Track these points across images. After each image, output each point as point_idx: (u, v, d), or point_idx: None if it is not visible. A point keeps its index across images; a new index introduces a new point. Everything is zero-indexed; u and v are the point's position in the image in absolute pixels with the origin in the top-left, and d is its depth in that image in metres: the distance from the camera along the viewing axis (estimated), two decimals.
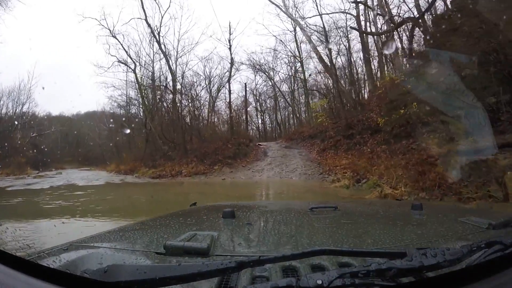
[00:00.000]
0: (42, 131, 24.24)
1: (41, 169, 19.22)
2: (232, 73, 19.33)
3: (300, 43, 19.80)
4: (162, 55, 18.34)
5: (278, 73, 22.61)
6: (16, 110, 22.91)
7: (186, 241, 0.81)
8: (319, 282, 0.52)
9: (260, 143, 18.46)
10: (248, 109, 24.83)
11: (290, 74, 21.59)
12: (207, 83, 20.09)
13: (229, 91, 19.36)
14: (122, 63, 18.05)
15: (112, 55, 17.94)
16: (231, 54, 18.38)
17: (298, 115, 22.25)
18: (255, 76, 23.70)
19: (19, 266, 0.59)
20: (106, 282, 0.55)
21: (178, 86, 19.21)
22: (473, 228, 0.97)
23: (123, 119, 21.42)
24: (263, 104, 25.22)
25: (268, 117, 25.70)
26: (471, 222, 1.02)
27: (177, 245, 0.78)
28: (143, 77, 19.09)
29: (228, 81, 18.88)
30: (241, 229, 1.16)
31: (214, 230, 1.04)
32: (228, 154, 15.42)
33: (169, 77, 18.90)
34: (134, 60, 18.32)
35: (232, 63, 18.61)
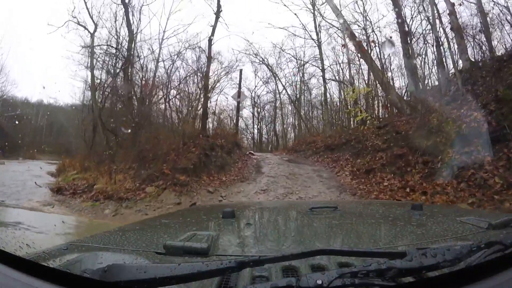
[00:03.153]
0: (10, 113, 21.47)
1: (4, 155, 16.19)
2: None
3: (319, 24, 14.91)
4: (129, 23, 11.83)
5: (283, 70, 18.18)
6: None
7: (186, 241, 0.81)
8: (319, 282, 0.52)
9: (252, 152, 12.66)
10: (244, 115, 19.59)
11: (303, 62, 16.57)
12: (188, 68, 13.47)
13: (209, 55, 12.29)
14: (81, 25, 12.36)
15: (73, 17, 12.37)
16: None
17: (305, 117, 17.65)
18: (255, 75, 19.31)
19: (19, 266, 0.60)
20: (106, 282, 0.55)
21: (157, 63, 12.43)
22: (473, 228, 0.97)
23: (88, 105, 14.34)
24: (261, 112, 20.86)
25: (265, 127, 21.42)
26: (471, 222, 1.01)
27: (177, 245, 0.78)
28: (109, 44, 12.65)
29: (211, 37, 12.02)
30: (241, 229, 1.16)
31: (214, 230, 1.05)
32: (184, 164, 8.09)
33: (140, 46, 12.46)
34: (94, 22, 12.58)
35: (218, 9, 12.03)
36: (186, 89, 13.49)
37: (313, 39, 15.55)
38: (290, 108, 19.44)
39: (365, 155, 8.37)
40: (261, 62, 17.63)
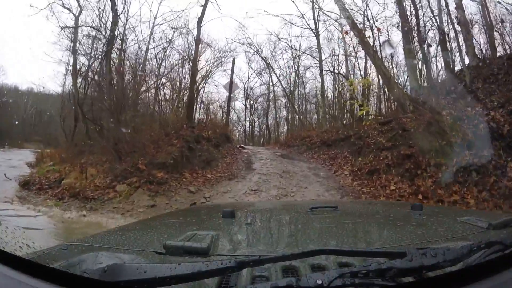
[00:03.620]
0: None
1: None
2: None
3: (318, 13, 13.99)
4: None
5: (277, 61, 17.30)
6: None
7: (186, 241, 0.81)
8: (319, 282, 0.52)
9: (243, 146, 12.00)
10: (237, 108, 18.82)
11: (299, 52, 15.50)
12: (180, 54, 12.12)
13: (198, 37, 10.93)
14: (66, 8, 10.87)
15: None
16: None
17: (299, 111, 16.68)
18: (248, 66, 18.21)
19: (19, 266, 0.60)
20: (106, 282, 0.55)
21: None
22: (473, 228, 0.97)
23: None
24: (254, 104, 19.92)
25: (257, 120, 20.48)
26: (471, 222, 1.01)
27: (177, 245, 0.78)
28: (91, 25, 11.08)
29: (201, 17, 10.63)
30: (241, 229, 1.16)
31: (214, 230, 1.05)
32: (163, 158, 7.13)
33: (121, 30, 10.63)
34: (80, 3, 11.17)
35: None
36: (175, 76, 12.22)
37: (311, 29, 14.64)
38: (283, 102, 18.81)
39: (367, 154, 7.51)
40: (255, 53, 16.68)
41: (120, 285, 0.55)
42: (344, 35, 11.81)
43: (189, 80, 11.44)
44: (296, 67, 16.62)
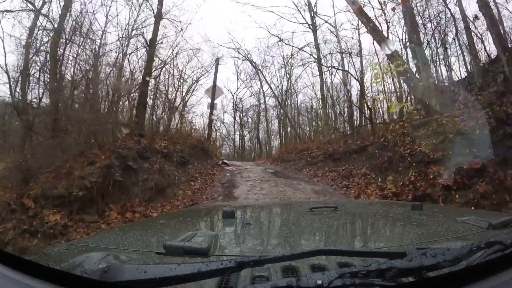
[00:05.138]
0: None
1: None
2: None
3: (315, 5, 12.74)
4: None
5: (268, 68, 15.86)
6: None
7: (186, 241, 0.81)
8: (319, 282, 0.52)
9: (226, 161, 9.38)
10: (225, 121, 17.54)
11: (293, 49, 13.87)
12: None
13: (160, 6, 8.41)
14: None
15: None
16: None
17: (294, 122, 15.18)
18: (237, 75, 16.90)
19: (19, 266, 0.60)
20: (106, 282, 0.55)
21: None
22: (473, 228, 0.97)
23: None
24: (243, 117, 18.51)
25: (248, 133, 19.06)
26: (471, 222, 1.01)
27: (177, 245, 0.78)
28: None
29: None
30: (241, 229, 1.16)
31: (214, 230, 1.05)
32: (66, 189, 4.20)
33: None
34: None
35: None
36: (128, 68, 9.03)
37: (307, 23, 13.04)
38: (275, 114, 17.57)
39: (401, 170, 5.50)
40: (244, 58, 15.07)
41: (120, 285, 0.55)
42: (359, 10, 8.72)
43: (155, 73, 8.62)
44: (288, 75, 15.44)
